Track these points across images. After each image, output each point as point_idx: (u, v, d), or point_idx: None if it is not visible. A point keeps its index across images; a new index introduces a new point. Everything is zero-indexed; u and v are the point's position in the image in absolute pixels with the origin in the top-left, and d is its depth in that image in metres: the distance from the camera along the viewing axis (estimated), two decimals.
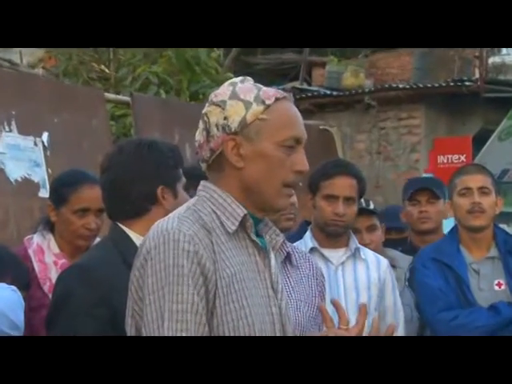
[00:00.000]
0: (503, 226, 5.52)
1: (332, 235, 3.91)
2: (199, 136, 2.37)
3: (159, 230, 2.22)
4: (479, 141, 10.02)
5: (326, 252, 3.92)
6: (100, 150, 6.10)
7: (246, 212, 2.30)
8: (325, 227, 3.92)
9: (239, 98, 2.33)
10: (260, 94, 2.35)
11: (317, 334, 2.94)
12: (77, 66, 9.43)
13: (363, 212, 4.43)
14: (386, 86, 11.08)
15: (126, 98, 7.83)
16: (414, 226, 5.00)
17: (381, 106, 10.68)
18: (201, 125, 2.37)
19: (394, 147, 10.72)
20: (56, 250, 3.79)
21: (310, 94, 11.58)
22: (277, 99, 2.35)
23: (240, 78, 2.46)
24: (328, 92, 11.59)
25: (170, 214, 2.31)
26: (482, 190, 4.06)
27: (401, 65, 12.13)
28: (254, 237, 2.32)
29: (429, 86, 10.50)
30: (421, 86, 10.57)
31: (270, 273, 2.35)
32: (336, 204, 3.87)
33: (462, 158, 9.94)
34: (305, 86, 12.50)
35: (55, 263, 3.73)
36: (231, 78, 8.77)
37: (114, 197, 2.99)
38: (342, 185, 3.91)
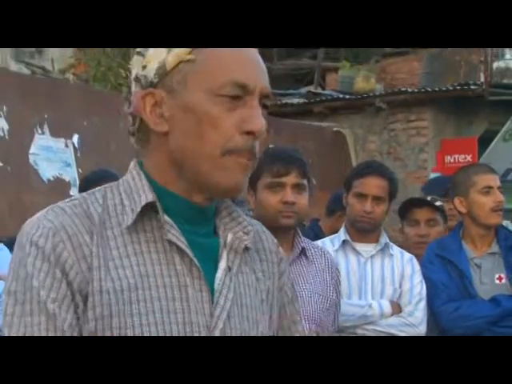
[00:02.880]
0: (506, 222, 5.50)
1: (361, 231, 3.93)
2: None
3: (27, 221, 1.52)
4: (484, 141, 9.99)
5: (357, 246, 3.95)
6: (127, 152, 6.13)
7: (151, 200, 1.52)
8: (354, 223, 3.94)
9: None
10: None
11: None
12: (105, 72, 9.46)
13: (425, 205, 4.51)
14: (396, 89, 11.07)
15: None
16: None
17: (391, 108, 10.67)
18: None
19: (403, 148, 10.71)
20: None
21: (324, 98, 11.57)
22: None
23: None
24: (341, 96, 11.57)
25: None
26: (500, 190, 4.07)
27: (410, 70, 12.10)
28: (172, 237, 1.52)
29: (436, 89, 10.47)
30: (429, 89, 10.54)
31: (203, 284, 1.53)
32: (365, 202, 3.90)
33: (468, 157, 9.91)
34: (319, 90, 12.50)
35: None
36: None
37: None
38: (373, 184, 3.92)
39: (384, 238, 3.99)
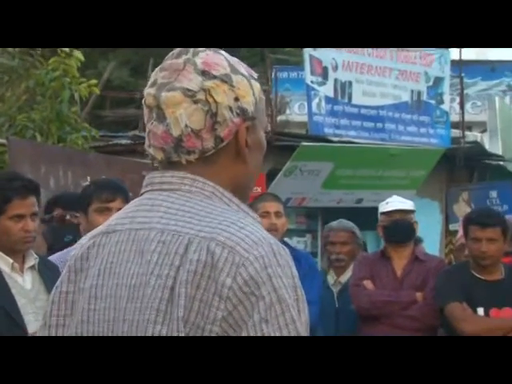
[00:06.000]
0: (287, 239, 5.61)
1: None
2: (196, 120, 1.33)
3: (267, 238, 1.29)
4: (270, 176, 10.20)
5: None
6: None
7: None
8: None
9: (241, 73, 1.37)
10: (243, 65, 1.40)
11: None
12: None
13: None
14: None
15: (3, 140, 7.55)
16: None
17: None
18: (196, 105, 1.33)
19: None
20: None
21: None
22: None
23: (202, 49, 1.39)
24: None
25: (239, 219, 1.30)
26: (277, 214, 4.12)
27: None
28: None
29: None
30: None
31: None
32: None
33: (259, 189, 10.08)
34: (143, 134, 12.35)
35: None
36: (87, 127, 8.42)
37: None
38: None
39: None
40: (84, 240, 1.42)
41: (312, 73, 9.77)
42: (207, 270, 1.24)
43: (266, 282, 1.24)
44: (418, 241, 5.52)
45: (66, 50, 8.18)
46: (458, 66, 12.14)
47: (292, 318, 1.24)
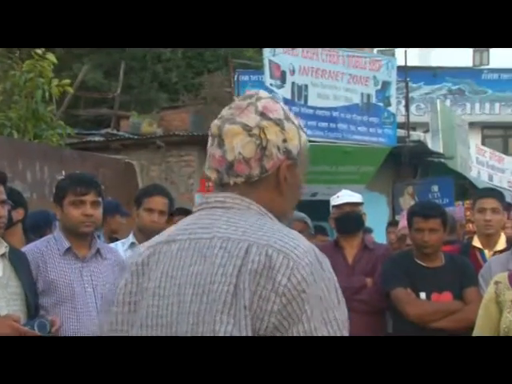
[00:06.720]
0: None
1: (150, 236, 3.82)
2: (248, 150, 1.48)
3: (312, 248, 1.43)
4: None
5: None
6: None
7: None
8: (144, 230, 3.83)
9: (292, 122, 1.52)
10: (295, 117, 1.55)
11: None
12: None
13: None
14: (171, 133, 11.06)
15: None
16: None
17: (167, 146, 10.63)
18: (250, 138, 1.48)
19: (176, 175, 10.69)
20: None
21: (119, 137, 11.34)
22: None
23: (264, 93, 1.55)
24: (131, 136, 11.40)
25: (290, 234, 1.43)
26: None
27: (181, 119, 12.14)
28: None
29: (200, 134, 10.58)
30: (195, 133, 10.63)
31: None
32: (153, 215, 3.82)
33: None
34: (115, 132, 12.25)
35: None
36: (62, 125, 8.24)
37: None
38: (158, 201, 3.85)
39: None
40: (142, 249, 1.49)
41: (271, 76, 9.76)
42: (265, 270, 1.36)
43: (314, 283, 1.37)
44: (367, 231, 5.56)
45: (40, 52, 8.04)
46: (404, 71, 12.24)
47: (335, 316, 1.38)
